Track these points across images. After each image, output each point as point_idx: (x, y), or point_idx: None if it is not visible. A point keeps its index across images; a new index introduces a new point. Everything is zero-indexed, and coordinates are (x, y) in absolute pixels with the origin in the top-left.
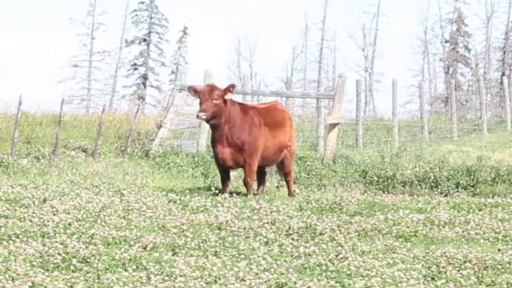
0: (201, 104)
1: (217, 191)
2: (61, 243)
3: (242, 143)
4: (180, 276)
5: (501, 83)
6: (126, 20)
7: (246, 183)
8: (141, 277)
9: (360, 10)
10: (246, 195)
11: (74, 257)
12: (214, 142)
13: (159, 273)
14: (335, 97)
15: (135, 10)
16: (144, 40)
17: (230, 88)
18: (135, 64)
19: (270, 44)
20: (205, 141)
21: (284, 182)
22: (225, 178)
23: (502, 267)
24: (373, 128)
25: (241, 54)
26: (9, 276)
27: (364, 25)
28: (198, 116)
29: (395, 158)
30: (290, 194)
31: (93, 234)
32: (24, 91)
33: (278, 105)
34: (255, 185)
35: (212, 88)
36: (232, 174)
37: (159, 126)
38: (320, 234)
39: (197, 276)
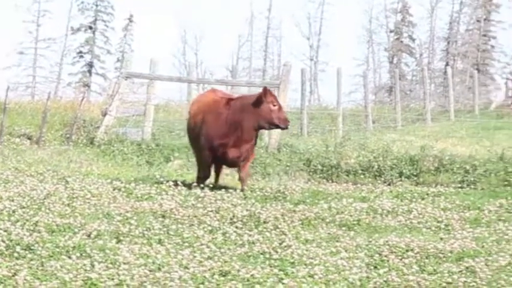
0: (280, 111)
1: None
2: (5, 230)
3: (251, 140)
4: (124, 263)
5: (445, 72)
6: (72, 8)
7: (244, 178)
8: (85, 264)
9: None
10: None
11: (18, 244)
12: (227, 142)
13: (103, 260)
14: (280, 86)
15: None
16: (90, 28)
17: None
18: (80, 52)
19: (216, 32)
20: (150, 129)
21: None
22: (210, 173)
23: (444, 256)
24: (318, 117)
25: (186, 42)
26: None
27: (309, 14)
28: (287, 126)
29: (339, 147)
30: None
31: (37, 221)
32: None
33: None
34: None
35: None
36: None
37: (105, 114)
38: (264, 222)
39: (141, 264)
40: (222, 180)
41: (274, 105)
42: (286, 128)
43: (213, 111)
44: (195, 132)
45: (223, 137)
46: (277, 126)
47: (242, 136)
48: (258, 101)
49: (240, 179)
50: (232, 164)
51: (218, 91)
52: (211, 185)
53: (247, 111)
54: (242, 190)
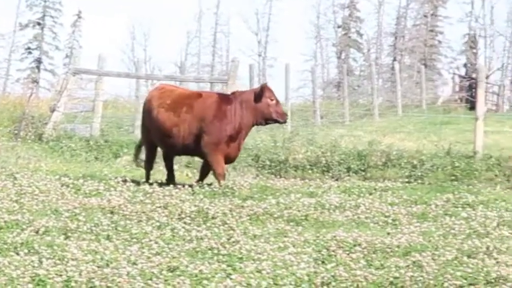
0: (278, 105)
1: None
2: None
3: (246, 136)
4: (72, 259)
5: (392, 68)
6: (20, 4)
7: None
8: (33, 261)
9: None
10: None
11: None
12: (232, 138)
13: (51, 256)
14: (228, 81)
15: None
16: (39, 24)
17: None
18: (29, 48)
19: (165, 28)
20: (98, 125)
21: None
22: None
23: (391, 251)
24: None
25: (135, 38)
26: None
27: (257, 10)
28: (286, 120)
29: (287, 142)
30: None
31: None
32: None
33: None
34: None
35: None
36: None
37: (53, 110)
38: (212, 218)
39: (89, 260)
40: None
41: (271, 100)
42: (285, 122)
43: (210, 108)
44: (183, 131)
45: (229, 134)
46: (276, 121)
47: (242, 133)
48: (256, 97)
49: (202, 176)
50: (231, 161)
51: (173, 85)
52: (159, 181)
53: (246, 107)
54: (192, 184)
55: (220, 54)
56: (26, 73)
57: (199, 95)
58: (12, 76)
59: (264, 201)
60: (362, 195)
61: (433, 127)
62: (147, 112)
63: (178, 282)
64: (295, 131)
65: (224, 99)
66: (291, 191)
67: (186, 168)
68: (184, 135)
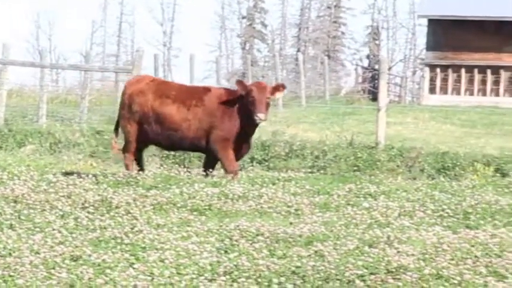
0: (256, 103)
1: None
2: None
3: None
4: None
5: (296, 59)
6: None
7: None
8: None
9: None
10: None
11: None
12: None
13: None
14: (133, 71)
15: None
16: None
17: (281, 87)
18: None
19: (70, 17)
20: (2, 114)
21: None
22: None
23: (294, 240)
24: None
25: (40, 27)
26: None
27: (162, 0)
28: (257, 119)
29: None
30: None
31: None
32: None
33: None
34: None
35: (264, 86)
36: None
37: None
38: (116, 207)
39: None
40: (72, 166)
41: (251, 97)
42: (255, 123)
43: (218, 103)
44: (193, 125)
45: (237, 131)
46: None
47: (248, 131)
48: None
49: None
50: (238, 158)
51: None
52: (63, 171)
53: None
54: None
55: (125, 44)
56: None
57: (207, 89)
58: None
59: (168, 191)
60: (265, 185)
61: (336, 118)
62: (140, 105)
63: (81, 272)
64: None
65: (230, 94)
66: (195, 181)
67: (90, 158)
68: (194, 129)
